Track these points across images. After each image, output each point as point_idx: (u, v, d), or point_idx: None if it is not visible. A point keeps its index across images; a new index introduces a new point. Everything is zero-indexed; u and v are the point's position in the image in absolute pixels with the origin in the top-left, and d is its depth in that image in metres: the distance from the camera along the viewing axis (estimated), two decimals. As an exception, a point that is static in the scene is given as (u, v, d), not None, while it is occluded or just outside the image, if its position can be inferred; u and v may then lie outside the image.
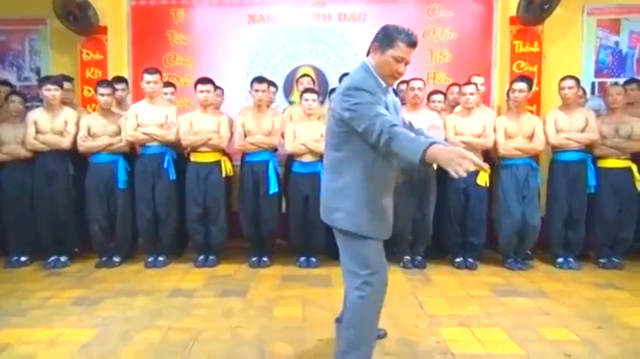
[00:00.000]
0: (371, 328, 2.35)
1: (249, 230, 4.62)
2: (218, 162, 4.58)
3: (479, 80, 4.88)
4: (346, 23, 5.65)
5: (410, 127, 2.52)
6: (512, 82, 4.55)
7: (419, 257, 4.66)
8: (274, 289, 3.94)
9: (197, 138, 4.48)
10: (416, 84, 4.53)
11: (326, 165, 2.42)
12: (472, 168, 1.90)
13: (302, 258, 4.63)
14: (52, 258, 4.61)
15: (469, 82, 4.66)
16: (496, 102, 5.51)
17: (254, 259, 4.63)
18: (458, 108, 4.83)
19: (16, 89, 5.24)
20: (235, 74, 5.65)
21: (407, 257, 4.65)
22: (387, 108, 2.23)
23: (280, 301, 3.65)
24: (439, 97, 4.84)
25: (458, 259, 4.63)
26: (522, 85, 4.43)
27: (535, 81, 5.22)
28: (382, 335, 2.96)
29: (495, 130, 4.54)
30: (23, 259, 4.66)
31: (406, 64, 2.24)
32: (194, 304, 3.59)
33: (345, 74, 5.09)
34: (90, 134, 4.51)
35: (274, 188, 4.51)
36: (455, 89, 4.97)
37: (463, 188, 4.56)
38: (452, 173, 1.86)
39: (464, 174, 1.86)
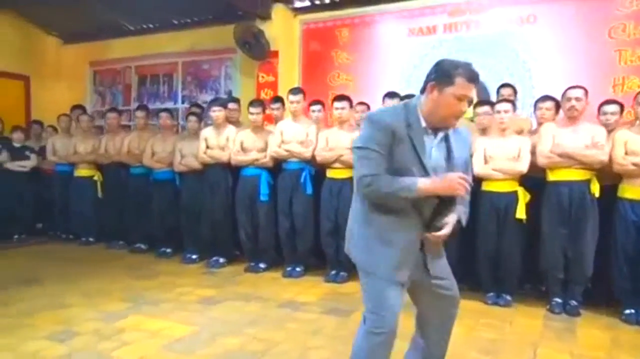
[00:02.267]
0: None
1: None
2: (351, 179, 4.55)
3: (670, 85, 3.82)
4: (512, 27, 5.05)
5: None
6: None
7: (574, 302, 3.84)
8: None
9: (330, 154, 4.55)
10: (573, 92, 3.77)
11: None
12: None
13: (432, 286, 4.27)
14: (213, 259, 5.22)
15: (653, 88, 3.70)
16: None
17: (382, 280, 4.46)
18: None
19: (203, 110, 6.08)
20: (393, 89, 5.54)
21: (558, 299, 3.89)
22: (394, 147, 1.99)
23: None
24: (613, 108, 3.96)
25: (628, 311, 3.67)
26: None
27: None
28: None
29: (687, 149, 3.50)
30: (194, 257, 5.38)
31: (470, 102, 2.01)
32: (292, 318, 3.65)
33: (505, 85, 4.62)
34: (242, 148, 4.98)
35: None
36: (640, 97, 3.98)
37: (633, 221, 3.62)
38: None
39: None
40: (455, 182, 1.93)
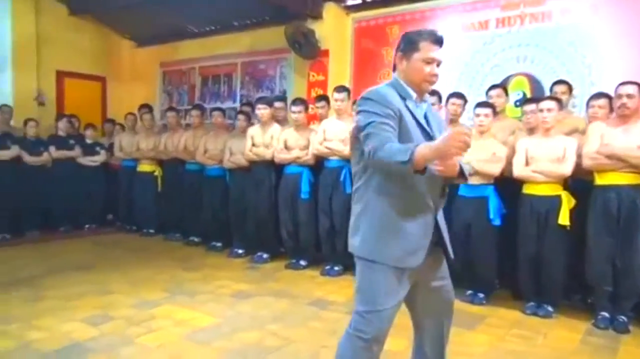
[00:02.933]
0: None
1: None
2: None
3: None
4: (570, 20, 4.72)
5: None
6: None
7: (623, 318, 3.53)
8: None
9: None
10: (624, 89, 3.49)
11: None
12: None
13: (469, 292, 4.11)
14: (257, 254, 5.34)
15: None
16: None
17: (418, 283, 4.36)
18: None
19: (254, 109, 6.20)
20: (442, 88, 5.36)
21: (605, 313, 3.59)
22: (402, 120, 1.94)
23: (397, 331, 3.35)
24: (673, 105, 3.58)
25: (685, 330, 3.34)
26: None
27: None
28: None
29: None
30: (240, 251, 5.53)
31: (438, 64, 2.00)
32: (317, 316, 3.65)
33: (559, 81, 4.35)
34: (286, 146, 5.05)
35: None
36: None
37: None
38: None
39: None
40: (457, 139, 1.69)
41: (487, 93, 4.47)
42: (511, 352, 3.08)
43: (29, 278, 4.48)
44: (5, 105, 6.61)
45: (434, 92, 4.37)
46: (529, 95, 4.91)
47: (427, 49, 1.96)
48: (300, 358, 2.93)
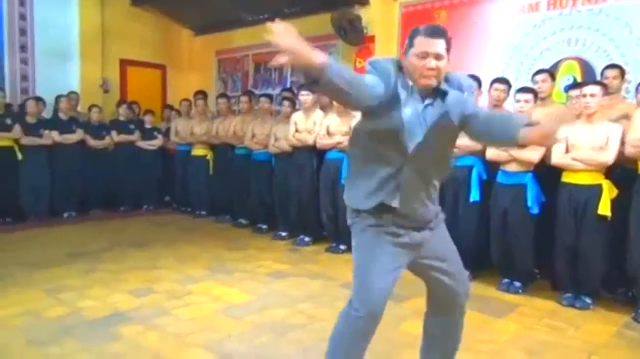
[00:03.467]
0: None
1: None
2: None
3: None
4: (625, 1, 4.46)
5: None
6: None
7: (668, 312, 3.39)
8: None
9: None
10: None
11: None
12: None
13: (505, 280, 4.05)
14: (300, 237, 5.49)
15: None
16: None
17: (454, 270, 4.34)
18: None
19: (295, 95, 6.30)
20: (490, 73, 5.25)
21: (649, 307, 3.46)
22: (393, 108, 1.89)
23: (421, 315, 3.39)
24: None
25: None
26: None
27: None
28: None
29: None
30: (283, 234, 5.70)
31: (437, 57, 1.86)
32: (347, 297, 3.71)
33: (610, 66, 4.18)
34: (328, 132, 5.13)
35: (474, 196, 4.11)
36: None
37: None
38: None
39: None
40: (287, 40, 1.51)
41: (532, 78, 4.34)
42: (538, 341, 3.03)
43: (89, 252, 4.86)
44: (73, 92, 7.10)
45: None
46: (579, 80, 4.71)
47: (420, 43, 1.87)
48: (323, 336, 3.00)
